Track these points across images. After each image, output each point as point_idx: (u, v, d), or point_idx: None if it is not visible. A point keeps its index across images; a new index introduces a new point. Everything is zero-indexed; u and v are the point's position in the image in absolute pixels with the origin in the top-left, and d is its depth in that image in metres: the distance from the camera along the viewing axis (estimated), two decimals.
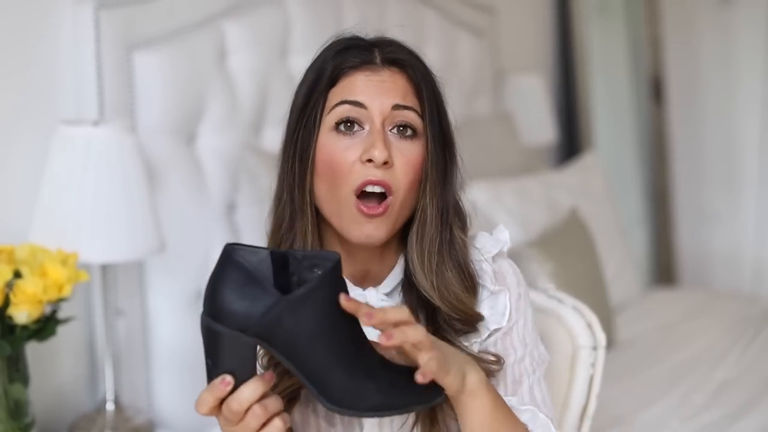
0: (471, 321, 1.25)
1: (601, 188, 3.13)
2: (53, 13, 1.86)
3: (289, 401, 1.21)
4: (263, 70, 2.19)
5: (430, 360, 1.06)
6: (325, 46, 1.27)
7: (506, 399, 1.22)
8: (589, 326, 1.55)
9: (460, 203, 1.29)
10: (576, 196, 2.92)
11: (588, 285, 2.57)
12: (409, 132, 1.22)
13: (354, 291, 1.26)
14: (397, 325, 1.06)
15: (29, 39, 1.84)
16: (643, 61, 4.06)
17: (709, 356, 2.64)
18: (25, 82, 1.84)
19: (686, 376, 2.49)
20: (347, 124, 1.21)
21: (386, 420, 1.24)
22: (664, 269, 4.14)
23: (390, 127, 1.21)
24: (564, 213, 2.79)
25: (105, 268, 1.84)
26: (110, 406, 1.84)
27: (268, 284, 1.03)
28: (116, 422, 1.82)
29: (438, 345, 1.10)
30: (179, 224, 1.97)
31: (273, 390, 1.15)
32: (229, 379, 1.05)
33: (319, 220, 1.26)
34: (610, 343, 2.36)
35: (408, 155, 1.21)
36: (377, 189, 1.19)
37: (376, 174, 1.18)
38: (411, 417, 1.23)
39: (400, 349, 1.08)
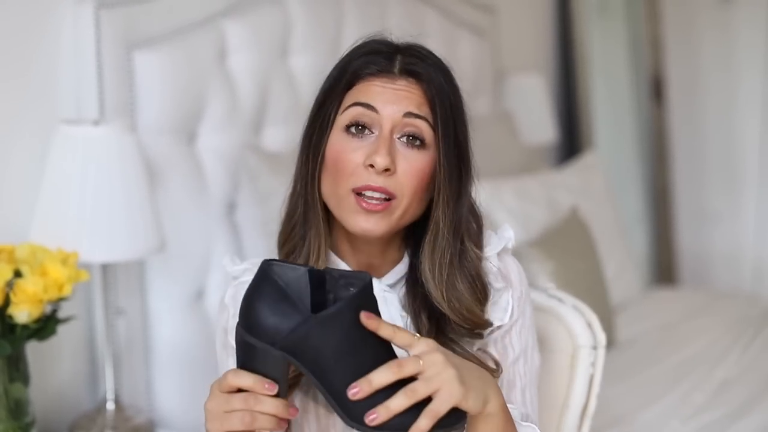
0: (477, 328, 1.26)
1: (602, 188, 3.13)
2: (54, 13, 1.86)
3: (290, 387, 1.22)
4: (263, 70, 2.19)
5: (443, 403, 1.05)
6: (354, 45, 1.29)
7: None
8: (590, 326, 1.55)
9: (474, 214, 1.32)
10: (576, 196, 2.92)
11: (588, 284, 2.57)
12: (417, 142, 1.23)
13: None
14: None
15: (29, 38, 1.84)
16: (644, 60, 4.06)
17: (709, 356, 2.64)
18: (26, 82, 1.84)
19: (687, 376, 2.49)
20: (358, 127, 1.22)
21: None
22: (664, 269, 4.14)
23: (399, 135, 1.22)
24: (564, 213, 2.79)
25: (105, 268, 1.84)
26: (110, 406, 1.84)
27: (300, 302, 1.07)
28: (116, 421, 1.82)
29: (458, 365, 1.09)
30: (179, 224, 1.97)
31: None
32: (274, 387, 1.08)
33: (329, 213, 1.28)
34: (611, 343, 2.36)
35: (413, 163, 1.22)
36: (377, 195, 1.20)
37: (377, 180, 1.20)
38: None
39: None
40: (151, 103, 1.96)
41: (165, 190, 1.96)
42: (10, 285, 1.57)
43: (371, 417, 1.04)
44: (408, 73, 1.25)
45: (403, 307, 1.29)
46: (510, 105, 3.36)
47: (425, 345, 1.08)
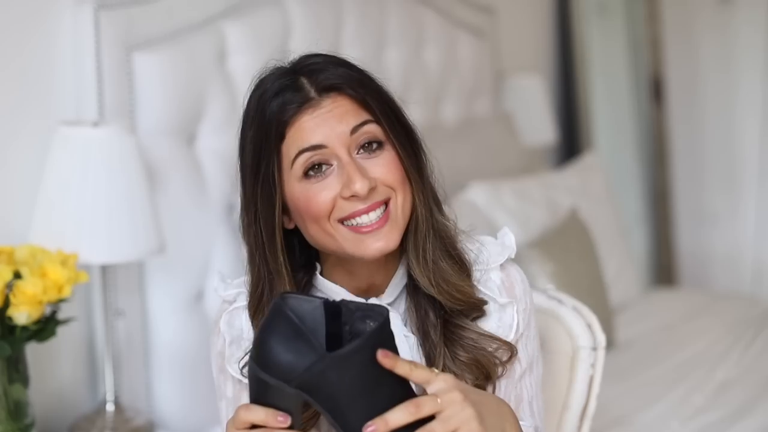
0: (474, 307, 1.24)
1: (601, 189, 3.13)
2: (53, 14, 1.86)
3: (308, 422, 1.21)
4: None
5: None
6: (252, 92, 1.22)
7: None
8: (589, 327, 1.55)
9: (435, 190, 1.27)
10: (576, 197, 2.92)
11: (588, 285, 2.57)
12: (375, 145, 1.19)
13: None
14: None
15: (29, 40, 1.84)
16: (643, 61, 4.06)
17: (709, 357, 2.64)
18: (26, 83, 1.84)
19: (686, 377, 2.49)
20: (315, 168, 1.17)
21: None
22: (664, 270, 4.14)
23: (356, 151, 1.18)
24: (564, 213, 2.79)
25: (105, 269, 1.83)
26: (110, 407, 1.84)
27: (315, 336, 1.05)
28: (116, 423, 1.82)
29: (476, 402, 1.07)
30: (179, 225, 1.97)
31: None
32: (287, 419, 1.06)
33: (310, 256, 1.24)
34: (610, 344, 2.35)
35: (384, 163, 1.19)
36: (374, 216, 1.17)
37: (365, 203, 1.16)
38: None
39: None
40: (151, 104, 1.96)
41: (164, 192, 1.95)
42: (9, 286, 1.57)
43: None
44: (326, 89, 1.18)
45: (405, 322, 1.26)
46: (509, 106, 3.36)
47: (443, 382, 1.06)
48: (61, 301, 1.64)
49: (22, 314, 1.58)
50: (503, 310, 1.26)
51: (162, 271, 1.96)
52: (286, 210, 1.21)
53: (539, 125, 3.42)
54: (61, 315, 1.67)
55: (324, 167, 1.17)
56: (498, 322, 1.25)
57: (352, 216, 1.17)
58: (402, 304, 1.27)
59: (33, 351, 1.72)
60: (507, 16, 3.41)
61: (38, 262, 1.62)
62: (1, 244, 1.67)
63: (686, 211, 4.16)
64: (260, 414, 1.06)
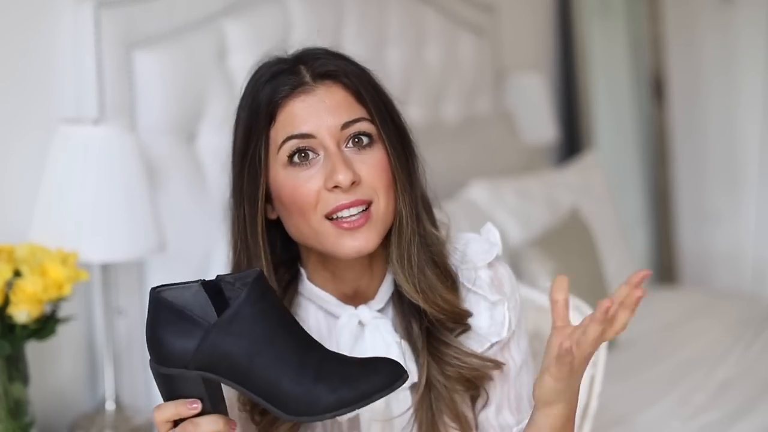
0: (459, 318, 1.23)
1: (602, 187, 3.13)
2: (54, 12, 1.86)
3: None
4: None
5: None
6: (249, 78, 1.21)
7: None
8: None
9: (426, 196, 1.25)
10: (577, 196, 2.92)
11: (588, 284, 2.56)
12: (365, 141, 1.17)
13: (346, 310, 1.24)
14: None
15: (29, 38, 1.83)
16: (644, 60, 4.06)
17: (709, 356, 2.64)
18: (26, 81, 1.84)
19: (687, 376, 2.49)
20: (301, 155, 1.16)
21: (387, 425, 1.24)
22: (665, 269, 4.14)
23: (345, 144, 1.16)
24: (565, 212, 2.78)
25: (105, 268, 1.83)
26: (110, 406, 1.84)
27: (199, 317, 1.04)
28: (116, 422, 1.82)
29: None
30: (179, 223, 1.97)
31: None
32: (197, 404, 1.05)
33: (293, 252, 1.24)
34: (611, 343, 2.36)
35: (372, 162, 1.16)
36: (354, 211, 1.15)
37: (348, 197, 1.14)
38: (414, 424, 1.23)
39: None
40: (151, 102, 1.96)
41: (165, 190, 1.95)
42: (9, 285, 1.57)
43: None
44: (321, 76, 1.17)
45: (395, 328, 1.24)
46: (510, 104, 3.36)
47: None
48: (61, 299, 1.64)
49: (22, 313, 1.58)
50: (494, 308, 1.25)
51: (162, 269, 1.96)
52: (269, 199, 1.20)
53: (540, 124, 3.42)
54: (61, 313, 1.67)
55: (311, 155, 1.16)
56: (490, 320, 1.24)
57: (336, 210, 1.15)
58: (390, 311, 1.26)
59: (33, 349, 1.72)
60: (508, 15, 3.41)
61: (38, 260, 1.62)
62: (1, 243, 1.67)
63: (687, 210, 4.16)
64: (171, 409, 1.06)
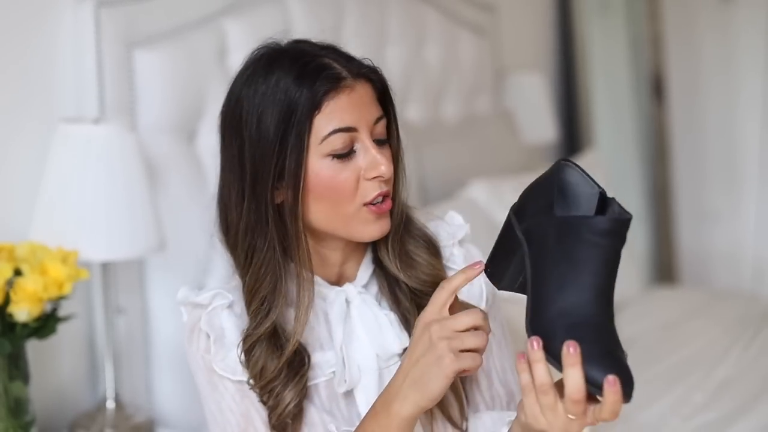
0: None
1: (602, 186, 3.13)
2: (54, 11, 1.86)
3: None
4: None
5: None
6: (266, 66, 1.27)
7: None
8: None
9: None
10: None
11: None
12: (383, 137, 1.26)
13: (332, 289, 1.30)
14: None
15: (30, 37, 1.84)
16: (644, 59, 4.06)
17: (709, 355, 2.64)
18: (26, 80, 1.84)
19: (686, 375, 2.49)
20: (346, 148, 1.22)
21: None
22: (664, 268, 4.14)
23: (374, 138, 1.25)
24: None
25: (105, 266, 1.84)
26: (111, 404, 1.84)
27: (564, 202, 1.08)
28: (116, 420, 1.82)
29: None
30: (180, 222, 1.97)
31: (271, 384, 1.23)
32: (480, 266, 1.12)
33: (277, 240, 1.25)
34: None
35: (388, 156, 1.25)
36: (383, 198, 1.24)
37: (383, 186, 1.23)
38: None
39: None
40: (152, 101, 1.96)
41: (165, 189, 1.96)
42: (10, 283, 1.57)
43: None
44: (359, 75, 1.24)
45: (379, 303, 1.31)
46: (510, 104, 3.36)
47: None
48: (61, 298, 1.64)
49: (22, 311, 1.58)
50: (470, 283, 1.28)
51: (162, 268, 1.97)
52: (279, 184, 1.24)
53: (540, 123, 3.42)
54: (61, 312, 1.68)
55: (353, 147, 1.23)
56: (467, 294, 1.30)
57: (376, 197, 1.23)
58: (374, 287, 1.32)
59: (33, 348, 1.72)
60: (508, 14, 3.41)
61: (39, 259, 1.62)
62: (2, 241, 1.67)
63: (687, 209, 4.17)
64: (459, 277, 1.12)
